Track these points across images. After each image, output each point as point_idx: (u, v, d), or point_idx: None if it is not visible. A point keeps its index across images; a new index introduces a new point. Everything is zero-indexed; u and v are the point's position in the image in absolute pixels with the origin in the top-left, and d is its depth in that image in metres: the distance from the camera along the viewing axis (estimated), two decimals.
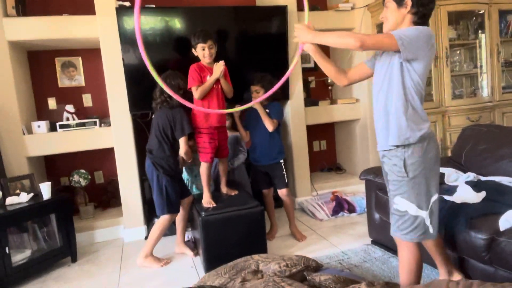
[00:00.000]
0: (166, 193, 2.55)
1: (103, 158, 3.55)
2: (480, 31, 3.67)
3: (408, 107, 1.60)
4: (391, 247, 2.50)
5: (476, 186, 2.08)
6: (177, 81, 2.56)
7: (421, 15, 1.63)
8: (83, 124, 3.17)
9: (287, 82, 3.50)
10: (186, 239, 2.96)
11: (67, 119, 3.22)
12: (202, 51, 2.53)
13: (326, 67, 1.84)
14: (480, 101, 3.62)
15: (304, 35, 1.70)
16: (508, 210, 1.83)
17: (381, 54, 1.72)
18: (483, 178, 2.22)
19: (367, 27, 3.69)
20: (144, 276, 2.51)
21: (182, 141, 2.56)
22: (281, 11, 3.36)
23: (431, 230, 1.64)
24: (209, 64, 2.57)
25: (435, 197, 1.64)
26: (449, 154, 3.31)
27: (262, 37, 3.40)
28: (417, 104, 1.61)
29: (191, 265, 2.61)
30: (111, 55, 3.04)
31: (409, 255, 1.66)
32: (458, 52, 3.79)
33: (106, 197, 3.56)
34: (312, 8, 3.71)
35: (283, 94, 3.47)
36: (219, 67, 2.49)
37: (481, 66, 3.71)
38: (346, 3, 3.71)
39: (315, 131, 4.09)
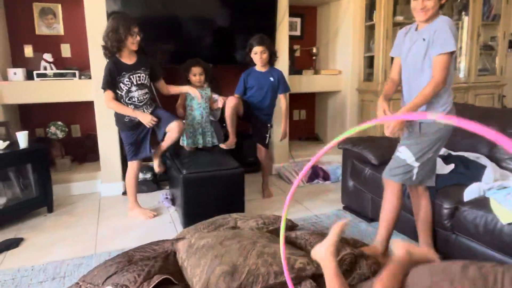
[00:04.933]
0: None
1: (80, 111, 3.47)
2: (463, 13, 3.76)
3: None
4: (361, 213, 2.65)
5: (446, 159, 2.22)
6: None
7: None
8: (61, 75, 3.07)
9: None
10: (164, 196, 3.01)
11: (45, 68, 3.11)
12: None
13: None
14: (457, 82, 3.75)
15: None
16: (472, 183, 1.97)
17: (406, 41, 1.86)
18: (453, 153, 2.35)
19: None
20: (122, 228, 2.56)
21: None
22: None
23: (414, 177, 1.85)
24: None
25: (429, 155, 1.83)
26: None
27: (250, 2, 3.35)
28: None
29: (169, 221, 2.68)
30: (94, 5, 2.92)
31: (391, 195, 1.92)
32: None
33: (83, 151, 3.52)
34: None
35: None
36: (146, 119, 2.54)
37: (460, 48, 3.82)
38: None
39: (296, 100, 4.14)
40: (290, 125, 3.85)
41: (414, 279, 1.26)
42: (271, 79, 2.95)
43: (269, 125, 3.08)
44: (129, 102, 2.52)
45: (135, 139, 2.63)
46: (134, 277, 1.70)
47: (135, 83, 2.52)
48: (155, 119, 2.54)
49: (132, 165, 2.71)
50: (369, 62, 3.80)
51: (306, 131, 4.52)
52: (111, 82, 2.46)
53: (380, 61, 3.51)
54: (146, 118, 2.52)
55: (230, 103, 2.77)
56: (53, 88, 3.02)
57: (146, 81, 2.57)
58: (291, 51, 3.95)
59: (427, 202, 1.95)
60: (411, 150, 1.83)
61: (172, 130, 2.58)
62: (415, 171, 1.84)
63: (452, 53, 1.68)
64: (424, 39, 1.73)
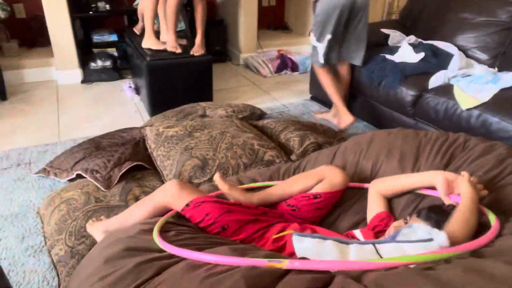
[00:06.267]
0: None
1: None
2: None
3: None
4: (327, 102, 2.69)
5: (416, 47, 2.20)
6: None
7: None
8: None
9: None
10: (127, 85, 2.88)
11: None
12: None
13: None
14: None
15: None
16: (439, 71, 2.01)
17: None
18: (424, 42, 2.34)
19: None
20: (85, 117, 2.47)
21: None
22: None
23: (321, 60, 2.13)
24: None
25: (328, 36, 2.04)
26: (393, 17, 3.38)
27: None
28: None
29: (134, 110, 2.60)
30: None
31: (320, 76, 2.24)
32: None
33: (31, 35, 3.18)
34: None
35: None
36: None
37: None
38: None
39: None
40: (259, 12, 3.60)
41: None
42: None
43: None
44: None
45: None
46: (103, 162, 1.70)
47: None
48: None
49: None
50: None
51: (275, 20, 4.28)
52: None
53: None
54: None
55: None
56: None
57: None
58: None
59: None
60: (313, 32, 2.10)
61: None
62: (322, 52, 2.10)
63: None
64: None
